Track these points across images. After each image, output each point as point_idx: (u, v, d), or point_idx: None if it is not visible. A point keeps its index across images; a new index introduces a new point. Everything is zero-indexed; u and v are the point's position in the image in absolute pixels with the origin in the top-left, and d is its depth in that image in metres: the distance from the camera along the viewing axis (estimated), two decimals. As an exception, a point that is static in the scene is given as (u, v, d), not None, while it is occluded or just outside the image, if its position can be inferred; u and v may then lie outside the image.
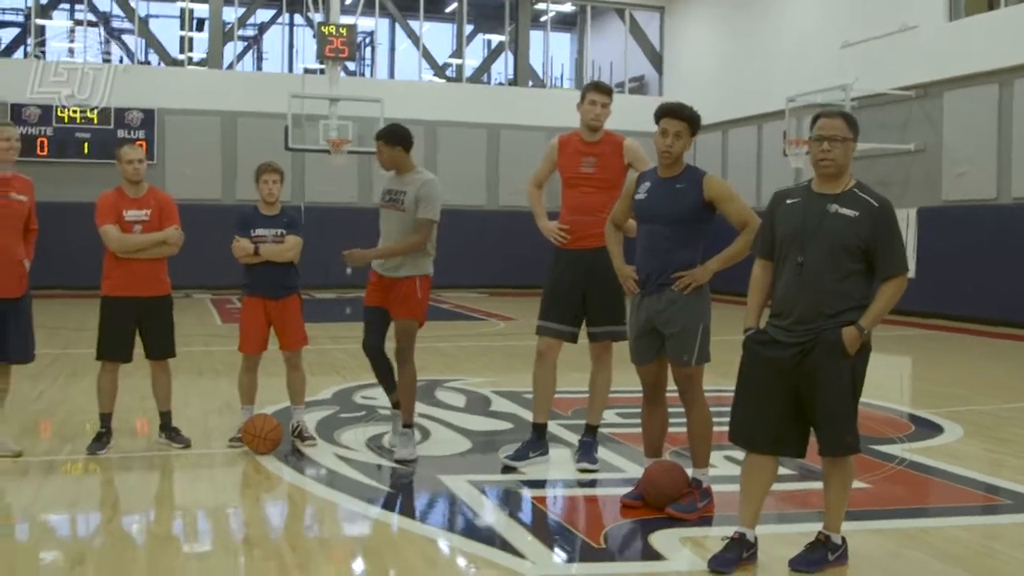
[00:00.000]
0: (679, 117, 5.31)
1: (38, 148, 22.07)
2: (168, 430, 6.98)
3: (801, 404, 4.54)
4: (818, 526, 4.72)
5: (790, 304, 4.55)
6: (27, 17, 26.69)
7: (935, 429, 8.04)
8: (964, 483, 6.44)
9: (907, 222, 17.96)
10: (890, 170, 18.73)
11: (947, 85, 18.30)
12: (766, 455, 4.64)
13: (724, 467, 6.27)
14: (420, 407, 7.78)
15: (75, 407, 8.27)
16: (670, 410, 5.82)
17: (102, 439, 6.75)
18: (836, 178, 4.57)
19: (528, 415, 7.64)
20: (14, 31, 28.27)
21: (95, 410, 6.92)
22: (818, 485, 5.32)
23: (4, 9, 28.41)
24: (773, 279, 4.68)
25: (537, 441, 6.55)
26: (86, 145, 22.45)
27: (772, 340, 4.57)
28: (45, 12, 27.38)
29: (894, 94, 19.02)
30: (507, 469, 6.39)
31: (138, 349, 6.90)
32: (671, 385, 5.60)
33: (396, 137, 6.75)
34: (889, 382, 11.07)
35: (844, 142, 4.53)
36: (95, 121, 22.38)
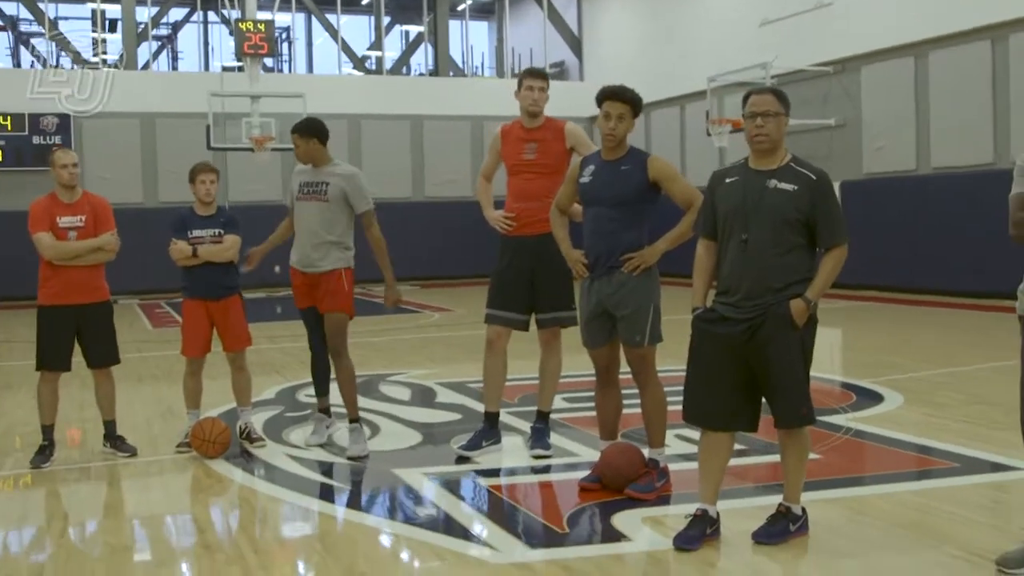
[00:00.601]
0: (621, 99, 5.34)
1: (-51, 158, 21.39)
2: (113, 439, 6.84)
3: (752, 379, 4.59)
4: (778, 498, 4.78)
5: (737, 281, 4.59)
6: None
7: (876, 398, 8.19)
8: (910, 449, 6.59)
9: (832, 196, 18.23)
10: (812, 145, 18.98)
11: (864, 60, 18.62)
12: (721, 432, 4.69)
13: (677, 446, 6.30)
14: (366, 402, 7.73)
15: (14, 420, 8.07)
16: (622, 392, 5.84)
17: (45, 451, 6.58)
18: (772, 153, 4.62)
19: (475, 405, 7.66)
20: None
21: (34, 423, 6.77)
22: (773, 458, 5.41)
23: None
24: (718, 258, 4.72)
25: (490, 430, 6.54)
26: (0, 153, 21.80)
27: (721, 317, 4.61)
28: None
29: (813, 70, 19.30)
30: (461, 459, 6.37)
31: (76, 358, 6.75)
32: (623, 367, 5.64)
33: (311, 130, 6.73)
34: (827, 354, 11.26)
35: (776, 116, 4.58)
36: (9, 128, 21.76)
